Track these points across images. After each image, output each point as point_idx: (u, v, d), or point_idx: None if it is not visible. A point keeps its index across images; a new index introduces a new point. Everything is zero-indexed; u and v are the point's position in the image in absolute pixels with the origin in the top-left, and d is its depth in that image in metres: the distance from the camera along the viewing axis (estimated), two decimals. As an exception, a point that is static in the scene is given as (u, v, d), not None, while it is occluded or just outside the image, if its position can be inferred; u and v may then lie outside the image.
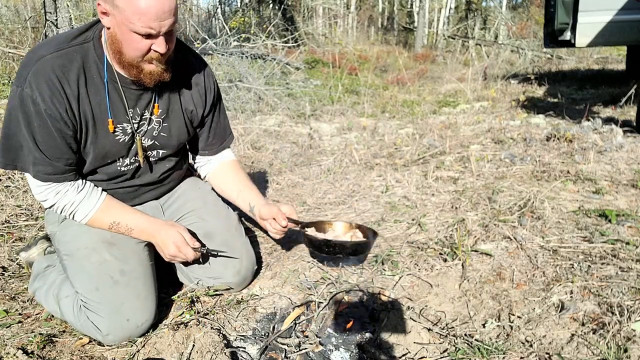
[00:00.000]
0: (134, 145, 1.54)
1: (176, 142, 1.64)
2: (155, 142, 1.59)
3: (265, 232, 2.16)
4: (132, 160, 1.57)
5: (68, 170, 1.45)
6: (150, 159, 1.63)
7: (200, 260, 1.67)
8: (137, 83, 1.43)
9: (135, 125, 1.51)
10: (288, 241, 2.16)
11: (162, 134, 1.59)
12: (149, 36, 1.29)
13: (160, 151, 1.63)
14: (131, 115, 1.49)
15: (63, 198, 1.47)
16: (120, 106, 1.46)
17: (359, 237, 1.87)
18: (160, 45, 1.31)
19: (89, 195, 1.51)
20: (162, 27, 1.28)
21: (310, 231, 1.87)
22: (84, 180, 1.52)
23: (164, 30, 1.29)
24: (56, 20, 6.66)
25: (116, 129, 1.47)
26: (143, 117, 1.52)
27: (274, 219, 1.71)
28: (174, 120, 1.59)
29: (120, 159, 1.55)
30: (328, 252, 1.76)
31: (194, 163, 1.88)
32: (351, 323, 1.47)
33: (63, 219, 1.56)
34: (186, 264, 1.67)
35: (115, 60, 1.38)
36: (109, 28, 1.33)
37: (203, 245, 1.66)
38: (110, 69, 1.41)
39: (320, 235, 1.83)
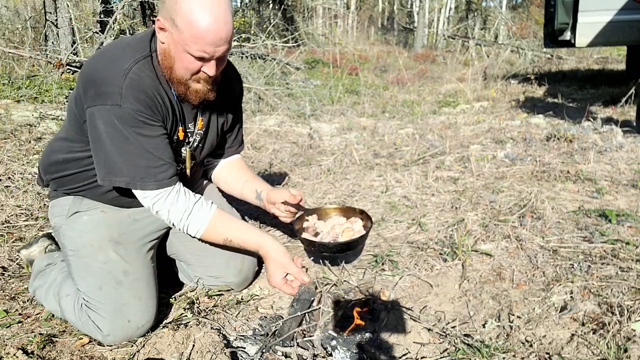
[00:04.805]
0: (182, 156, 1.58)
1: (207, 152, 1.69)
2: (193, 153, 1.63)
3: (272, 219, 2.16)
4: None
5: (177, 171, 1.50)
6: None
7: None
8: (183, 99, 1.45)
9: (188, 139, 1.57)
10: (288, 241, 2.16)
11: (199, 145, 1.63)
12: (201, 59, 1.31)
13: (193, 161, 1.66)
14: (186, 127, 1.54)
15: (176, 204, 1.46)
16: (183, 117, 1.51)
17: (355, 229, 1.80)
18: (211, 69, 1.34)
19: (201, 206, 1.51)
20: (215, 53, 1.31)
21: (310, 219, 1.86)
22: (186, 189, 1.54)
23: (217, 56, 1.32)
24: (56, 20, 6.67)
25: (186, 136, 1.53)
26: (190, 131, 1.58)
27: (285, 202, 1.70)
28: (210, 133, 1.64)
29: None
30: (314, 252, 1.72)
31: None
32: (352, 326, 1.46)
33: (72, 213, 1.56)
34: (208, 268, 1.69)
35: (166, 75, 1.41)
36: (163, 43, 1.35)
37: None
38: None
39: (309, 236, 1.76)
